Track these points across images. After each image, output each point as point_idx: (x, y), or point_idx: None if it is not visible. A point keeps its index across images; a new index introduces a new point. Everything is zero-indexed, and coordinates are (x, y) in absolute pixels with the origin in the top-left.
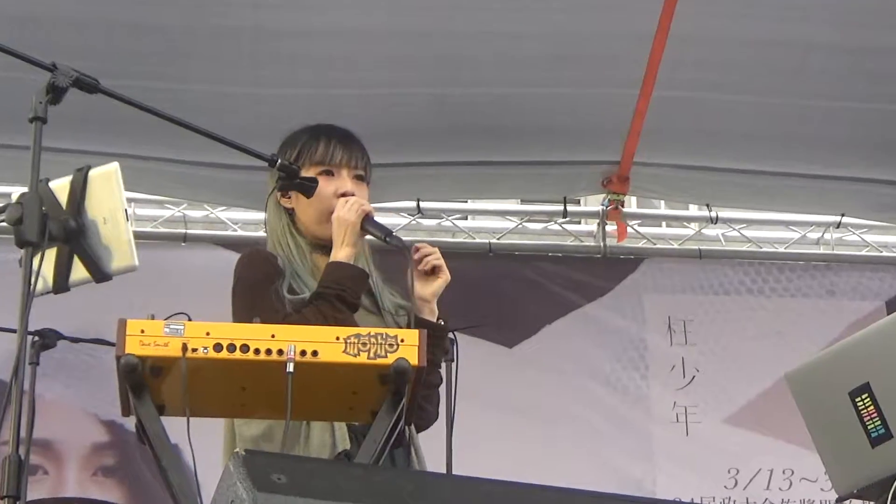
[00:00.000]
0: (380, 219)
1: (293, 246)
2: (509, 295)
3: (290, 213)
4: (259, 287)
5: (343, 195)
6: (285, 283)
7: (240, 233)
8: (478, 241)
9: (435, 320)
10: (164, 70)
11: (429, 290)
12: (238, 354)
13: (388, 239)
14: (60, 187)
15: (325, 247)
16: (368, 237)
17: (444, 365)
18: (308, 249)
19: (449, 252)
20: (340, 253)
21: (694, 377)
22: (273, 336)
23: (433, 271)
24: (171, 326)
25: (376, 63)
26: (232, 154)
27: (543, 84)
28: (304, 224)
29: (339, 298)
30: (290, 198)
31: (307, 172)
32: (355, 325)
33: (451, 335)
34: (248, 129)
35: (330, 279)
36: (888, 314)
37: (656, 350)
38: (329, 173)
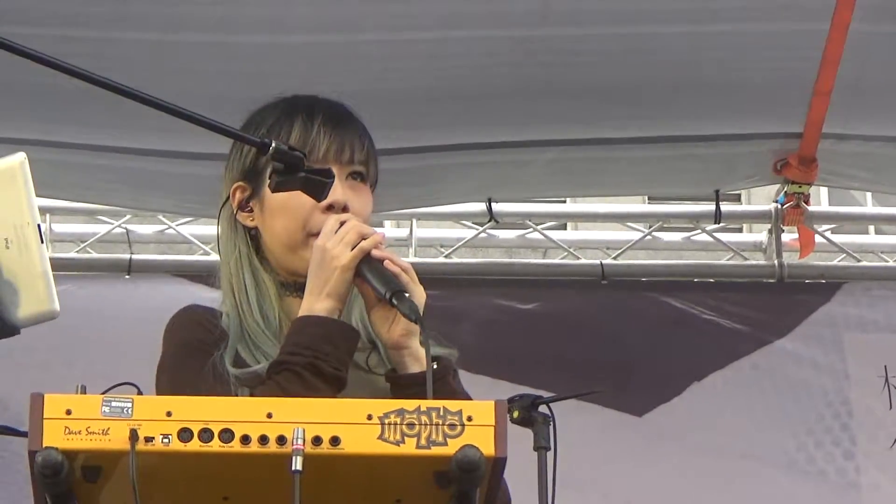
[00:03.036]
0: (429, 232)
1: (250, 287)
2: (635, 339)
3: (253, 234)
4: (183, 365)
5: (330, 208)
6: (229, 351)
7: (213, 257)
8: (584, 261)
9: (426, 364)
10: (90, 12)
11: (399, 329)
12: (216, 446)
13: (394, 300)
14: None
15: (299, 287)
16: None
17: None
18: (275, 291)
19: (539, 279)
20: (318, 304)
21: None
22: (270, 416)
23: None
24: (114, 404)
25: None
26: (197, 137)
27: (679, 18)
28: (270, 252)
29: (314, 370)
30: (251, 211)
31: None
32: None
33: (544, 408)
34: (215, 98)
35: (297, 340)
36: None
37: (868, 417)
38: None
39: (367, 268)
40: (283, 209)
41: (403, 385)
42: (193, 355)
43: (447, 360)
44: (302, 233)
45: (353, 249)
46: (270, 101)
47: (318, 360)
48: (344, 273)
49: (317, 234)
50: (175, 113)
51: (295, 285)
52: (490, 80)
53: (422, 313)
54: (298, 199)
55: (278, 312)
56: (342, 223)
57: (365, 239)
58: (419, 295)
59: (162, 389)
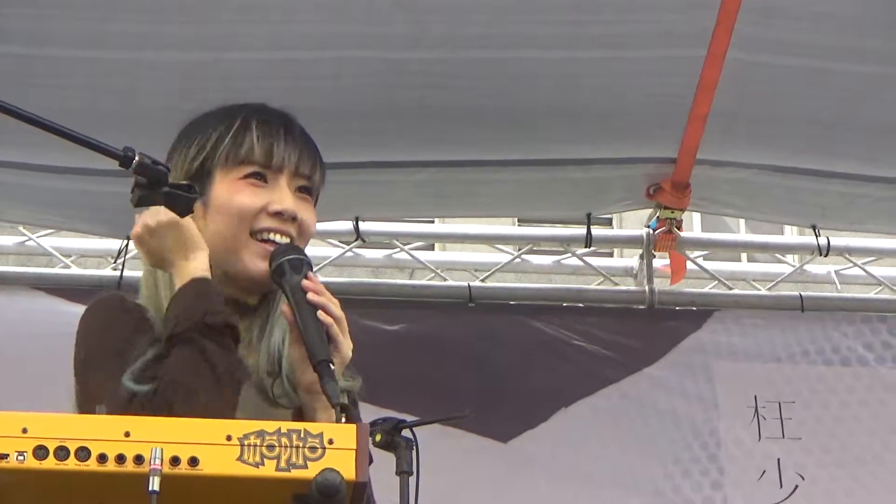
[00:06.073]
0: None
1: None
2: (502, 364)
3: None
4: (108, 355)
5: (278, 214)
6: (154, 346)
7: (74, 270)
8: (452, 283)
9: (334, 418)
10: None
11: (311, 376)
12: (73, 464)
13: (318, 371)
14: None
15: (227, 301)
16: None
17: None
18: None
19: (406, 301)
20: (195, 262)
21: (797, 487)
22: (128, 434)
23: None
24: None
25: (297, 10)
26: (60, 151)
27: (554, 43)
28: (210, 253)
29: (204, 330)
30: (191, 212)
31: (223, 177)
32: (244, 368)
33: (407, 433)
34: (80, 112)
35: (181, 308)
36: None
37: (736, 447)
38: (260, 178)
39: (303, 312)
40: (228, 209)
41: None
42: (128, 340)
43: (354, 395)
44: (245, 233)
45: None
46: (214, 109)
47: (204, 318)
48: (178, 226)
49: (259, 235)
50: (39, 124)
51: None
52: (360, 100)
53: (346, 365)
54: (247, 201)
55: None
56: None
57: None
58: (346, 348)
59: (83, 380)
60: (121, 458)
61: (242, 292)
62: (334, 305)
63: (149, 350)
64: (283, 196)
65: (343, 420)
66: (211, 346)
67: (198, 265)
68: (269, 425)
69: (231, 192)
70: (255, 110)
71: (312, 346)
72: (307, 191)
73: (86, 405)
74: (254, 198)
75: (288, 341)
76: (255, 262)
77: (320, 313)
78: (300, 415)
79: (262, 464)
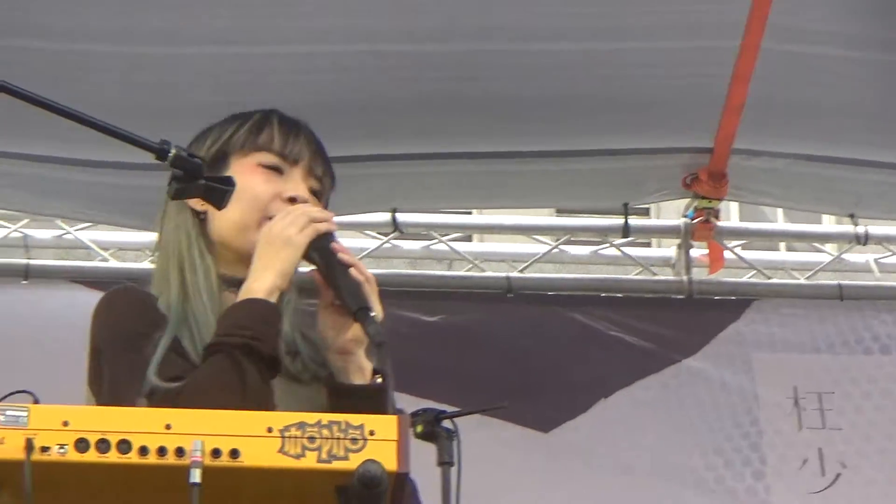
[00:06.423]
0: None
1: (199, 267)
2: (541, 354)
3: (202, 218)
4: (127, 348)
5: (292, 200)
6: (166, 339)
7: (112, 263)
8: (490, 274)
9: (369, 379)
10: None
11: (349, 335)
12: (114, 456)
13: (359, 317)
14: None
15: (237, 283)
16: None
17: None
18: (218, 282)
19: (444, 292)
20: (258, 282)
21: (839, 476)
22: (169, 427)
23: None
24: (9, 413)
25: (330, 4)
26: (97, 145)
27: (589, 35)
28: (220, 236)
29: (249, 351)
30: None
31: (239, 162)
32: (272, 403)
33: (448, 423)
34: (113, 107)
35: (233, 322)
36: None
37: (777, 437)
38: (276, 170)
39: (335, 271)
40: (243, 194)
41: (345, 393)
42: (146, 334)
43: (386, 377)
44: (259, 215)
45: (303, 231)
46: (237, 112)
47: (255, 341)
48: (294, 251)
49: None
50: (75, 118)
51: (233, 280)
52: (395, 93)
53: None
54: (261, 187)
55: (219, 300)
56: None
57: (317, 221)
58: (378, 308)
59: (103, 374)
60: (162, 451)
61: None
62: (363, 267)
63: (161, 341)
64: (297, 185)
65: (386, 362)
66: (251, 370)
67: (273, 286)
68: (310, 417)
69: (246, 178)
70: (272, 110)
71: (350, 296)
72: (317, 195)
73: (103, 395)
74: (268, 185)
75: (319, 307)
76: None
77: (352, 271)
78: (337, 385)
79: (304, 455)
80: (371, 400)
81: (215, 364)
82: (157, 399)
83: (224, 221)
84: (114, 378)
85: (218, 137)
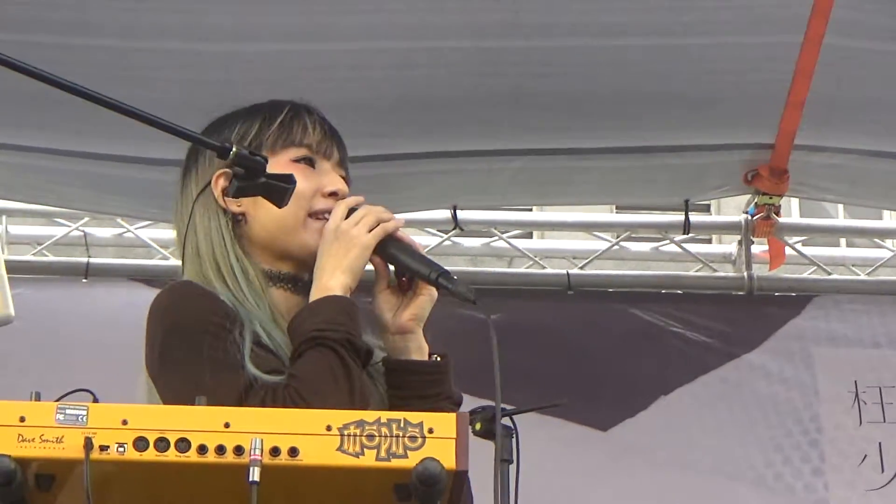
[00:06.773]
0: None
1: (239, 273)
2: (601, 351)
3: (237, 221)
4: (202, 341)
5: (333, 194)
6: (247, 332)
7: (172, 261)
8: (550, 271)
9: (428, 358)
10: (48, 17)
11: (408, 313)
12: (172, 455)
13: (440, 279)
14: None
15: (284, 277)
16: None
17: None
18: (262, 281)
19: (504, 289)
20: (333, 280)
21: None
22: (227, 425)
23: (409, 283)
24: (68, 411)
25: (391, 1)
26: (156, 143)
27: (650, 31)
28: (261, 236)
29: (351, 346)
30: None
31: (274, 159)
32: (367, 399)
33: (507, 421)
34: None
35: (325, 318)
36: None
37: (837, 432)
38: (309, 163)
39: (398, 249)
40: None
41: (404, 370)
42: (221, 327)
43: (445, 358)
44: (303, 213)
45: (371, 230)
46: (260, 104)
47: (352, 336)
48: (364, 251)
49: (317, 216)
50: (137, 116)
51: (280, 276)
52: (457, 90)
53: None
54: (303, 183)
55: (266, 300)
56: (353, 209)
57: (384, 221)
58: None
59: (178, 368)
60: (221, 449)
61: (299, 269)
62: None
63: (243, 334)
64: (333, 178)
65: (488, 315)
66: (355, 366)
67: (346, 285)
68: (369, 415)
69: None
70: (298, 103)
71: (422, 267)
72: (347, 184)
73: (178, 395)
74: (306, 181)
75: (376, 292)
76: (317, 239)
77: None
78: (397, 362)
79: (362, 454)
80: (433, 376)
81: (320, 358)
82: (259, 390)
83: (268, 220)
84: (200, 368)
85: (245, 132)
